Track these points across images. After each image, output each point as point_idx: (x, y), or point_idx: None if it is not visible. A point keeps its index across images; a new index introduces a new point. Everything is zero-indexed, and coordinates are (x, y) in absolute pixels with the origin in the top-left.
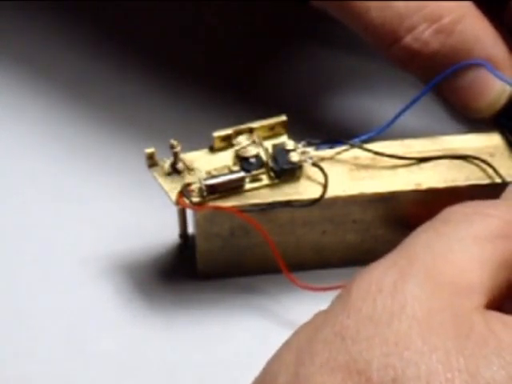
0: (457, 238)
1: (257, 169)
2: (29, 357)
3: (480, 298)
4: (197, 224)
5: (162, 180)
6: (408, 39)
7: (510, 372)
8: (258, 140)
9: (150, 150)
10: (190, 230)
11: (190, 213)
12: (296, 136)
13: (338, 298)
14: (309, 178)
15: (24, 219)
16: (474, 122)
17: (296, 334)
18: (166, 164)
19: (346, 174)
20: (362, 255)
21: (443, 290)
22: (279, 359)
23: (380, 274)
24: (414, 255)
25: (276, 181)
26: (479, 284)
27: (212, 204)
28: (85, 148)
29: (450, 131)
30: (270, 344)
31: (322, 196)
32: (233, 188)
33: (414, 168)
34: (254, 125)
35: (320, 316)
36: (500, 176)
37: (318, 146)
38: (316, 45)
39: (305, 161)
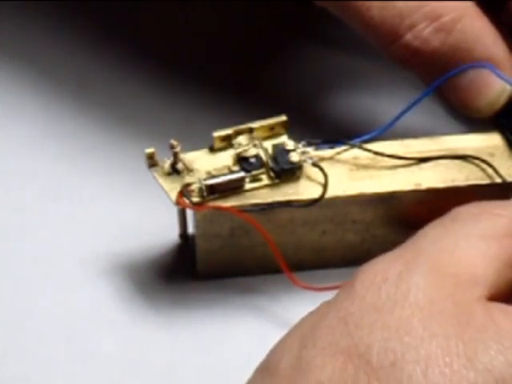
0: (464, 235)
1: (257, 169)
2: (29, 357)
3: (483, 290)
4: (197, 224)
5: (162, 180)
6: (408, 37)
7: (508, 357)
8: (257, 140)
9: (149, 150)
10: (190, 229)
11: (190, 213)
12: (296, 136)
13: (343, 288)
14: (309, 177)
15: (24, 219)
16: (474, 121)
17: (301, 321)
18: (166, 164)
19: (345, 174)
20: (362, 255)
21: (446, 281)
22: (283, 344)
23: (385, 266)
24: (420, 249)
25: (276, 181)
26: (483, 277)
27: (212, 204)
28: (85, 148)
29: (450, 131)
30: (269, 344)
31: (322, 196)
32: (233, 188)
33: (414, 168)
34: (254, 125)
35: (324, 305)
36: (500, 176)
37: (317, 146)
38: (316, 45)
39: (305, 161)
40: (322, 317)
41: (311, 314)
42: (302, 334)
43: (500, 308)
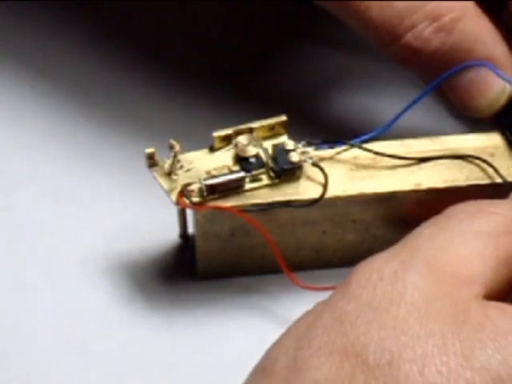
0: (459, 232)
1: (257, 169)
2: (29, 357)
3: (479, 289)
4: (197, 224)
5: (161, 180)
6: (408, 37)
7: (505, 356)
8: (257, 140)
9: (149, 150)
10: (190, 230)
11: (190, 213)
12: (296, 136)
13: (339, 288)
14: (309, 177)
15: (24, 219)
16: (474, 121)
17: (296, 322)
18: (166, 164)
19: (345, 173)
20: (362, 255)
21: (443, 279)
22: (279, 345)
23: (381, 264)
24: (415, 248)
25: (276, 181)
26: (479, 276)
27: (212, 204)
28: (85, 148)
29: (450, 131)
30: (270, 344)
31: (322, 196)
32: (233, 188)
33: (414, 168)
34: (254, 125)
35: (320, 305)
36: (500, 176)
37: (317, 146)
38: (316, 45)
39: (305, 161)
40: (318, 317)
41: (307, 314)
42: (297, 334)
43: (497, 306)
